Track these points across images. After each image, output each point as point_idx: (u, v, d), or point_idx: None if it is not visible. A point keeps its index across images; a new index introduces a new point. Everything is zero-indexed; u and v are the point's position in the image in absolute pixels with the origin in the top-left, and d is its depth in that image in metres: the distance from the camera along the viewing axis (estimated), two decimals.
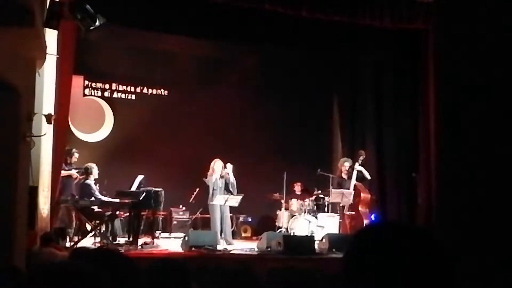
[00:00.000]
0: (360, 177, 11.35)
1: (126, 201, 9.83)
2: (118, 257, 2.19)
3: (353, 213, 11.17)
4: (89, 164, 10.15)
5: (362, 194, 11.21)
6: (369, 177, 11.45)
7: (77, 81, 11.47)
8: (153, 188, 10.04)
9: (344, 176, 11.49)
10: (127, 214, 10.21)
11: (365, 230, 1.44)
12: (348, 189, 11.22)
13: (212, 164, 10.67)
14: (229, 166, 10.65)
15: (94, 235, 9.53)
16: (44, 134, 7.89)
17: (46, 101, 8.24)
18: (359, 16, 10.18)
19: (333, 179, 11.49)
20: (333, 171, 12.02)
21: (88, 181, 9.86)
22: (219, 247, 9.54)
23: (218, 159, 10.73)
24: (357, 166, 11.32)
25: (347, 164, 11.50)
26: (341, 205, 11.30)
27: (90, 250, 3.26)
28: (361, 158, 11.42)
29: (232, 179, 10.64)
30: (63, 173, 9.58)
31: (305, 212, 11.28)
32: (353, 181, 11.25)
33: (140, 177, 10.33)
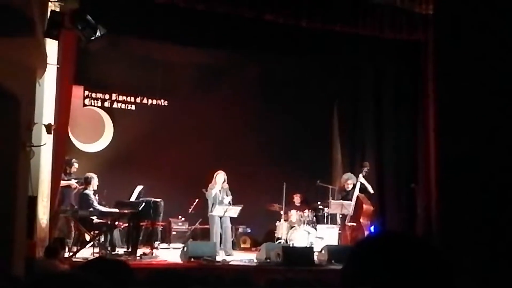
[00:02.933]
0: (363, 189, 11.28)
1: (125, 211, 9.80)
2: (118, 267, 2.18)
3: (355, 224, 11.10)
4: (90, 174, 10.15)
5: (364, 206, 11.08)
6: (372, 191, 11.32)
7: (77, 91, 11.49)
8: (152, 199, 10.02)
9: (347, 189, 11.37)
10: (126, 224, 10.18)
11: (364, 241, 1.44)
12: (350, 200, 11.17)
13: (215, 175, 10.73)
14: (225, 186, 10.76)
15: (93, 246, 9.50)
16: (44, 144, 7.89)
17: (46, 111, 8.24)
18: (359, 26, 10.21)
19: (334, 192, 11.45)
20: (333, 182, 12.01)
21: (87, 191, 9.85)
22: (218, 258, 9.52)
23: (221, 171, 10.78)
24: (361, 178, 11.24)
25: (350, 182, 11.34)
26: (340, 216, 11.28)
27: (91, 260, 3.25)
28: (365, 170, 11.29)
29: (228, 199, 10.69)
30: (63, 183, 9.56)
31: (304, 223, 11.25)
32: (356, 192, 11.18)
33: (139, 188, 10.32)
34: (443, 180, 10.27)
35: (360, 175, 11.27)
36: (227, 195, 10.74)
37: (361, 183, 11.24)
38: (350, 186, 11.32)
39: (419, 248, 1.32)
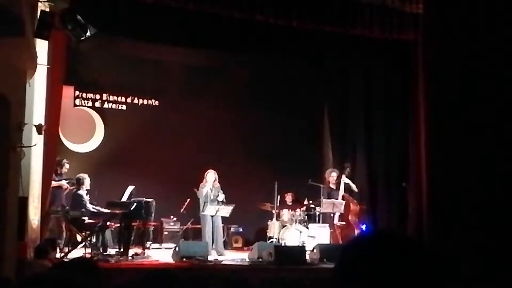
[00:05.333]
0: (348, 189, 11.52)
1: (117, 211, 9.77)
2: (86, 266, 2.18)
3: (343, 223, 11.24)
4: (81, 174, 10.12)
5: (351, 205, 11.35)
6: (356, 190, 11.63)
7: (68, 92, 11.44)
8: (144, 199, 10.00)
9: (333, 186, 11.62)
10: (118, 224, 10.15)
11: (356, 240, 1.45)
12: (336, 198, 11.33)
13: (205, 174, 10.73)
14: (216, 185, 10.76)
15: (85, 246, 9.47)
16: (35, 145, 7.86)
17: (37, 112, 8.21)
18: (349, 26, 10.22)
19: (323, 190, 11.53)
20: (324, 181, 12.04)
21: (80, 192, 9.82)
22: (210, 258, 9.52)
23: (211, 170, 10.78)
24: (344, 179, 11.54)
25: (334, 174, 11.69)
26: (332, 215, 11.35)
27: (72, 261, 3.24)
28: (347, 170, 11.62)
29: (221, 197, 10.69)
30: (53, 183, 9.54)
31: (296, 222, 11.26)
32: (341, 192, 11.41)
33: (131, 188, 10.29)
34: (434, 179, 10.31)
35: (343, 176, 11.55)
36: (219, 194, 10.73)
37: (345, 183, 11.47)
38: (334, 178, 11.60)
39: (409, 247, 1.32)
